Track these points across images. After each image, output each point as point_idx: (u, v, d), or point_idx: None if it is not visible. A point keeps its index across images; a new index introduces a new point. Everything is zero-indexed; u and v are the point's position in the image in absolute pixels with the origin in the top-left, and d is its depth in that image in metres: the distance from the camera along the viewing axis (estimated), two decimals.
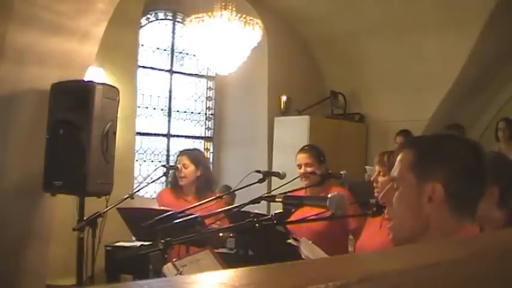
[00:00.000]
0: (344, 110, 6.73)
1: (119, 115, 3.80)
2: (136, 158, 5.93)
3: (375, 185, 2.78)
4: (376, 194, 2.72)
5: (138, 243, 3.49)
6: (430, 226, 1.28)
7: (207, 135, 6.88)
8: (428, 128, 5.96)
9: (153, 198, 5.96)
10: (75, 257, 3.25)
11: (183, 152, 3.68)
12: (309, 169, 3.33)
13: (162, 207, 3.12)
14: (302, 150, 3.46)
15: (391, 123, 6.26)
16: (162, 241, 2.06)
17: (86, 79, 4.03)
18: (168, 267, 2.04)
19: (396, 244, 1.37)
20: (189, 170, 3.53)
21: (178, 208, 2.79)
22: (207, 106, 6.88)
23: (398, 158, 1.36)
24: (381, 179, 2.74)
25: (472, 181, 1.29)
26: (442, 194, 1.26)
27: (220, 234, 2.79)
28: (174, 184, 3.63)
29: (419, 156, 1.32)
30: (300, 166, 3.37)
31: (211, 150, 6.88)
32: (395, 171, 1.35)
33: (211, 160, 6.77)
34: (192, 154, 3.65)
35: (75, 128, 3.55)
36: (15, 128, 3.72)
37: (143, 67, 6.04)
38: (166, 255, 2.07)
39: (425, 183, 1.28)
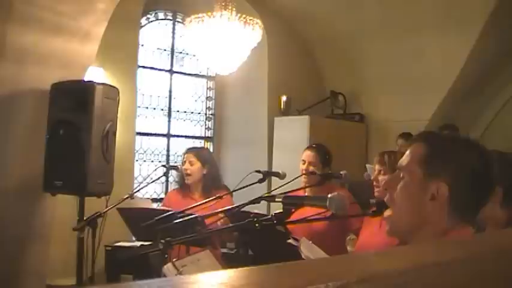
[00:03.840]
0: (344, 110, 6.72)
1: (119, 115, 3.81)
2: (136, 158, 5.92)
3: (375, 184, 2.79)
4: (376, 194, 2.72)
5: (138, 243, 3.50)
6: (426, 223, 1.29)
7: (207, 135, 6.88)
8: (428, 128, 5.94)
9: (153, 199, 5.98)
10: (75, 257, 3.25)
11: (189, 150, 3.68)
12: (311, 168, 3.35)
13: (162, 207, 3.12)
14: (310, 147, 3.51)
15: (391, 123, 6.26)
16: (162, 241, 2.06)
17: (86, 79, 4.03)
18: (168, 267, 2.04)
19: (391, 235, 1.37)
20: (195, 167, 3.52)
21: (185, 207, 2.79)
22: (207, 106, 6.87)
23: (409, 149, 1.37)
24: (381, 178, 2.75)
25: (477, 187, 1.29)
26: (446, 194, 1.26)
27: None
28: (181, 183, 3.62)
29: (430, 152, 1.32)
30: (304, 162, 3.39)
31: (211, 150, 6.87)
32: (404, 161, 1.36)
33: None
34: (198, 152, 3.65)
35: (75, 128, 3.55)
36: (15, 128, 3.72)
37: (143, 67, 6.03)
38: (166, 255, 2.07)
39: (432, 180, 1.28)
